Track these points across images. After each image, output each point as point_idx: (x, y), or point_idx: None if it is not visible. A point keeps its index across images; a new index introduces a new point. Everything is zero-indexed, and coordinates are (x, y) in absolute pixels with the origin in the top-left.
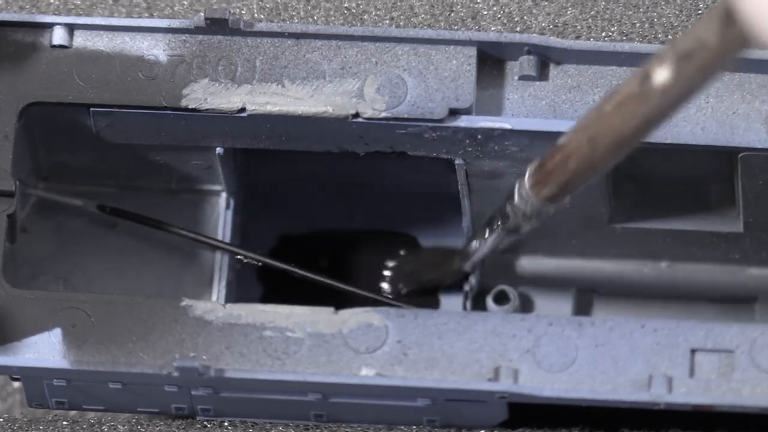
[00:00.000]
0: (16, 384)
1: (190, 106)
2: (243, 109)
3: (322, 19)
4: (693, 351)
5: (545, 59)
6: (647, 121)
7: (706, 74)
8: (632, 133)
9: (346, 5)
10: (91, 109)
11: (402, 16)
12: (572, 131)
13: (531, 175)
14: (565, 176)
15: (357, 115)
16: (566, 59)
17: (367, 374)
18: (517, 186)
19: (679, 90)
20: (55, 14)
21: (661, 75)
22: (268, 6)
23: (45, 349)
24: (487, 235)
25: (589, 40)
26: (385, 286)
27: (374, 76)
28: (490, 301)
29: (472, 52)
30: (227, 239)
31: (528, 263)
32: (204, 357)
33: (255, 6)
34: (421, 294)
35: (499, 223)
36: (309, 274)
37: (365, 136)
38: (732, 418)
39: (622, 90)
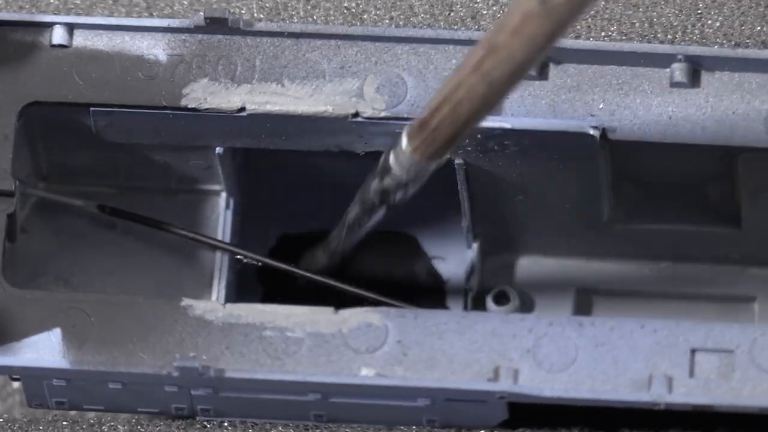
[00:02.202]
0: (16, 384)
1: (189, 106)
2: (243, 109)
3: (322, 18)
4: (693, 351)
5: (545, 59)
6: (552, 37)
7: None
8: (534, 54)
9: (345, 5)
10: (91, 108)
11: (401, 16)
12: (456, 76)
13: (410, 137)
14: (455, 126)
15: (357, 114)
16: (566, 59)
17: (367, 374)
18: (391, 156)
19: None
20: (55, 14)
21: None
22: (267, 5)
23: (45, 349)
24: (362, 220)
25: (589, 39)
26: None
27: (374, 75)
28: (490, 302)
29: None
30: (227, 239)
31: (528, 263)
32: (204, 357)
33: (255, 5)
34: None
35: (377, 201)
36: (309, 274)
37: (365, 135)
38: (732, 418)
39: (515, 15)
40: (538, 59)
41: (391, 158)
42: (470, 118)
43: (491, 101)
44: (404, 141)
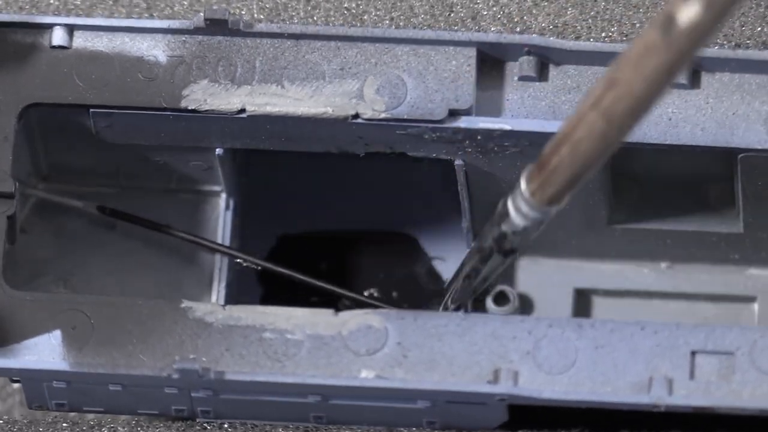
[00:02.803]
0: (16, 385)
1: (189, 107)
2: (243, 110)
3: (322, 19)
4: (693, 353)
5: (545, 60)
6: (673, 70)
7: None
8: (656, 89)
9: (345, 6)
10: (91, 109)
11: (402, 17)
12: (576, 114)
13: (528, 181)
14: (574, 166)
15: (357, 115)
16: (566, 60)
17: (366, 376)
18: (509, 203)
19: (711, 23)
20: (55, 15)
21: (688, 13)
22: (267, 6)
23: (45, 351)
24: (479, 269)
25: (589, 40)
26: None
27: (374, 76)
28: (489, 302)
29: (472, 52)
30: (227, 240)
31: (528, 263)
32: (204, 359)
33: (255, 6)
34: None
35: (495, 248)
36: (308, 279)
37: (365, 136)
38: (732, 420)
39: (636, 48)
40: (660, 94)
41: (509, 204)
42: (590, 157)
43: (612, 140)
44: (523, 184)
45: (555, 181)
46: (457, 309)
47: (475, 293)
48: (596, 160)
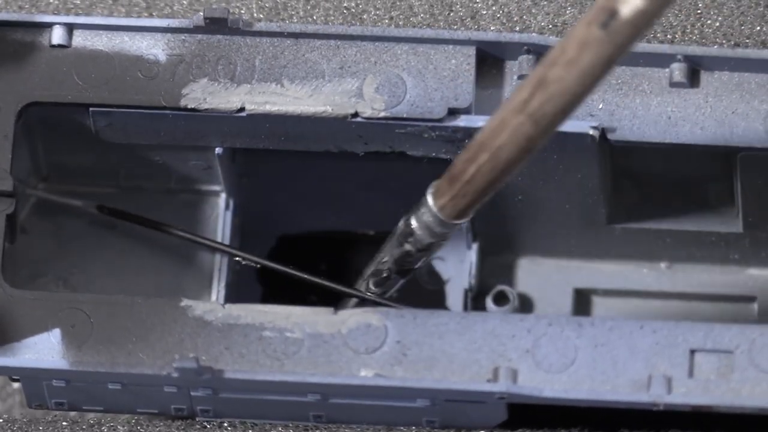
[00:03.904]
0: (16, 385)
1: (189, 106)
2: (242, 109)
3: (322, 18)
4: (692, 351)
5: None
6: (611, 64)
7: None
8: (591, 85)
9: (345, 5)
10: (91, 108)
11: (401, 16)
12: (495, 120)
13: (436, 195)
14: (493, 174)
15: (356, 114)
16: None
17: (366, 375)
18: (413, 220)
19: (656, 11)
20: (55, 14)
21: (633, 4)
22: (267, 5)
23: (44, 350)
24: (373, 288)
25: None
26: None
27: (373, 75)
28: (489, 302)
29: (472, 51)
30: (226, 239)
31: (527, 263)
32: (203, 357)
33: (254, 5)
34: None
35: (394, 270)
36: (307, 276)
37: (364, 135)
38: (731, 418)
39: (569, 46)
40: (593, 90)
41: (413, 221)
42: (510, 163)
43: (536, 143)
44: (429, 200)
45: (469, 191)
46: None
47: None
48: (517, 165)
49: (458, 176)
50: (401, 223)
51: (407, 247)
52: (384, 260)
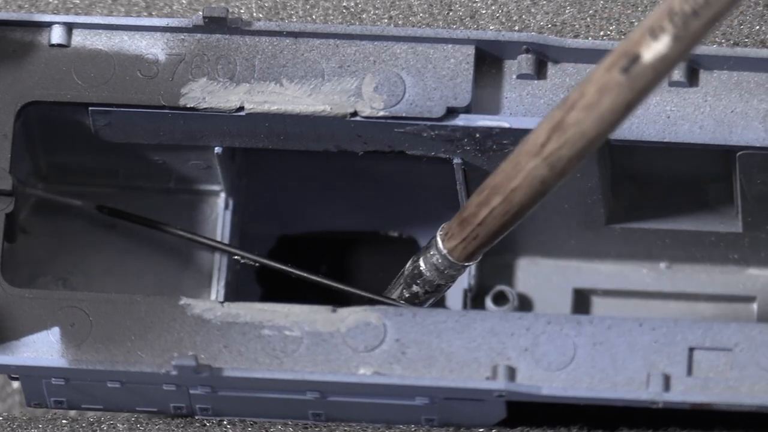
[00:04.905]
0: (15, 383)
1: (188, 105)
2: (241, 108)
3: (321, 17)
4: (691, 349)
5: (543, 58)
6: (630, 109)
7: (711, 28)
8: (609, 129)
9: (344, 4)
10: (90, 108)
11: (400, 15)
12: (509, 164)
13: (446, 238)
14: (505, 218)
15: (355, 113)
16: (564, 58)
17: (365, 373)
18: (422, 263)
19: (679, 56)
20: (54, 13)
21: (656, 49)
22: (266, 5)
23: (44, 348)
24: None
25: (588, 39)
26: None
27: (372, 74)
28: (489, 302)
29: (471, 50)
30: (226, 239)
31: (527, 263)
32: (202, 356)
33: (253, 5)
34: None
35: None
36: (306, 275)
37: (363, 135)
38: (730, 416)
39: (589, 89)
40: (612, 133)
41: (422, 263)
42: (524, 207)
43: (550, 186)
44: (439, 243)
45: (481, 234)
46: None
47: None
48: (530, 208)
49: (470, 219)
50: (409, 265)
51: (415, 288)
52: (395, 295)
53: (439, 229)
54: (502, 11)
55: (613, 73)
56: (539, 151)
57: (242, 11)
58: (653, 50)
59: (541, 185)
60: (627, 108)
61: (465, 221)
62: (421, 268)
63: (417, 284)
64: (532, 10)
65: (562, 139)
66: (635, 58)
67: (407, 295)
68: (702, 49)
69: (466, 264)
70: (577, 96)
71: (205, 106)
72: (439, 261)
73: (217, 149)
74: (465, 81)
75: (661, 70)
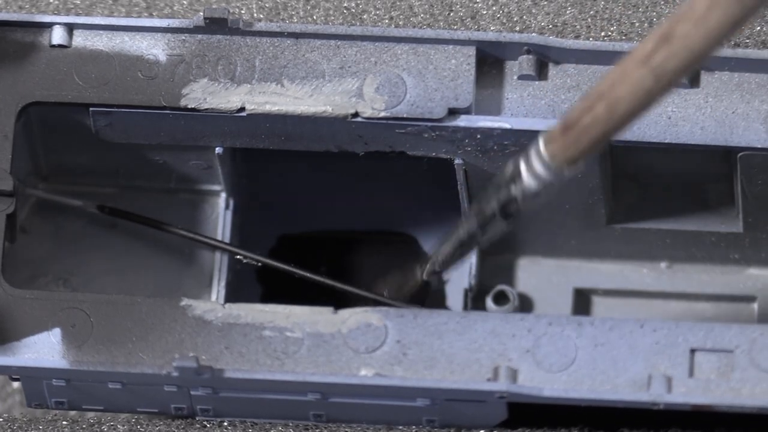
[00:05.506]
0: (16, 384)
1: (189, 106)
2: (242, 109)
3: (322, 18)
4: (692, 351)
5: (544, 59)
6: (739, 25)
7: None
8: (715, 44)
9: (345, 5)
10: (91, 108)
11: (401, 16)
12: (616, 72)
13: (548, 142)
14: (608, 125)
15: (356, 114)
16: (565, 59)
17: (366, 374)
18: (522, 164)
19: None
20: (55, 14)
21: None
22: (267, 5)
23: (44, 349)
24: (477, 234)
25: (589, 39)
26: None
27: (373, 75)
28: (489, 302)
29: (472, 51)
30: (226, 239)
31: (527, 263)
32: (203, 357)
33: (254, 5)
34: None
35: (499, 213)
36: (308, 274)
37: (364, 135)
38: (731, 418)
39: (697, 3)
40: (718, 48)
41: (522, 165)
42: (627, 115)
43: (654, 98)
44: (541, 146)
45: (582, 140)
46: (439, 274)
47: (462, 259)
48: (633, 118)
49: (573, 124)
50: (509, 167)
51: (513, 191)
52: (489, 202)
53: (540, 134)
54: (503, 12)
55: None
56: (647, 61)
57: (243, 12)
58: None
59: (645, 96)
60: (735, 24)
61: (568, 126)
62: (520, 170)
63: (515, 186)
64: (533, 11)
65: (669, 51)
66: None
67: (504, 198)
68: None
69: (565, 170)
70: (686, 8)
71: (205, 107)
72: (539, 165)
73: (218, 149)
74: (466, 82)
75: None
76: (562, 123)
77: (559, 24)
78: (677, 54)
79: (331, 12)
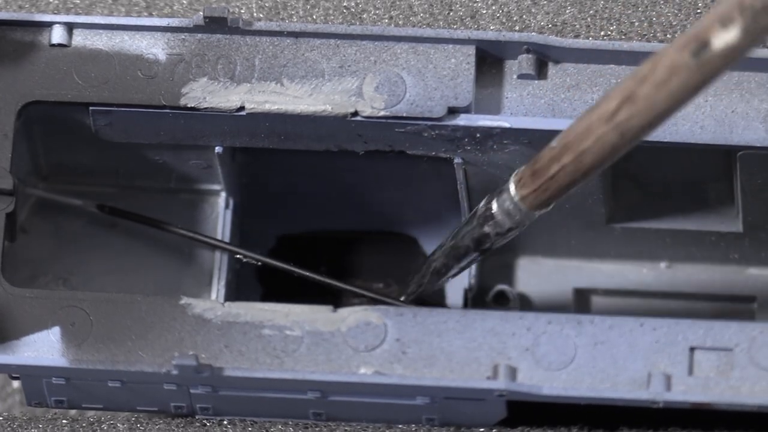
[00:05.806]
0: (16, 383)
1: (189, 105)
2: (242, 108)
3: (321, 17)
4: (692, 349)
5: (544, 58)
6: (698, 90)
7: None
8: (677, 106)
9: (345, 4)
10: (90, 108)
11: (401, 15)
12: (582, 125)
13: (519, 185)
14: (575, 175)
15: (356, 113)
16: (565, 58)
17: (365, 372)
18: (494, 204)
19: (745, 48)
20: (55, 13)
21: (726, 38)
22: (267, 5)
23: (44, 348)
24: (451, 265)
25: (588, 39)
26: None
27: (373, 74)
28: (489, 302)
29: (471, 50)
30: (226, 239)
31: (528, 263)
32: (203, 355)
33: (254, 5)
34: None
35: (472, 247)
36: (308, 273)
37: (364, 134)
38: (731, 416)
39: (660, 67)
40: (679, 110)
41: (494, 206)
42: (592, 167)
43: (619, 151)
44: (512, 189)
45: (551, 188)
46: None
47: (439, 286)
48: (598, 169)
49: (541, 172)
50: (482, 206)
51: (487, 229)
52: (463, 238)
53: (513, 174)
54: (502, 11)
55: (683, 55)
56: (611, 118)
57: (243, 11)
58: (722, 39)
59: (610, 150)
60: (695, 90)
61: (537, 173)
62: (492, 211)
63: (488, 225)
64: (533, 10)
65: (632, 110)
66: (705, 44)
67: (479, 235)
68: None
69: (535, 213)
70: (648, 70)
71: (205, 106)
72: (510, 207)
73: (218, 149)
74: (466, 81)
75: (729, 58)
76: (530, 168)
77: (558, 23)
78: (640, 113)
79: (330, 11)
